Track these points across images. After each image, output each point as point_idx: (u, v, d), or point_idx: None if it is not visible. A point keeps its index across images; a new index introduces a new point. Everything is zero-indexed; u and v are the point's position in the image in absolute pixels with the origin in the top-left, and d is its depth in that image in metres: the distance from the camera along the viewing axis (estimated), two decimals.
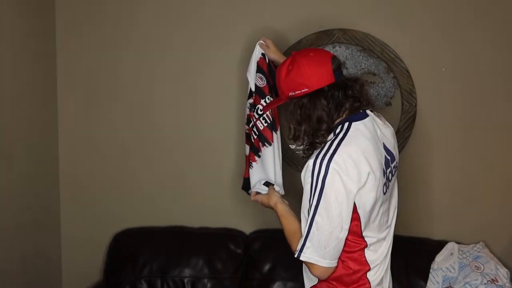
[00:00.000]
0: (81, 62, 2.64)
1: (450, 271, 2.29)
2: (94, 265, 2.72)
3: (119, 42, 2.61)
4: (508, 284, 2.24)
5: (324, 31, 2.46)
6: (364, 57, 2.46)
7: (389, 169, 1.73)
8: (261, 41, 2.14)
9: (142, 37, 2.60)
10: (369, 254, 1.70)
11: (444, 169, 2.50)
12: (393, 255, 1.81)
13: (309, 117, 1.70)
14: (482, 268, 2.28)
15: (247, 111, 2.17)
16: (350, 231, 1.63)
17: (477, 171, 2.49)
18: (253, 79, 2.12)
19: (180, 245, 2.56)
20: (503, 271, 2.27)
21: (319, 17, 2.48)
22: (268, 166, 2.08)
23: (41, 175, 2.57)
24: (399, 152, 2.34)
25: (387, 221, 1.76)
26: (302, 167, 1.66)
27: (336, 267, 1.66)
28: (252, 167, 2.12)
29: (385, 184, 1.69)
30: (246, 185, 2.15)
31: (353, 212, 1.61)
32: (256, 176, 2.11)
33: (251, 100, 2.14)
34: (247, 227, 2.64)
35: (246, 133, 2.19)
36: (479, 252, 2.36)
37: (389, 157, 1.73)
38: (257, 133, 2.09)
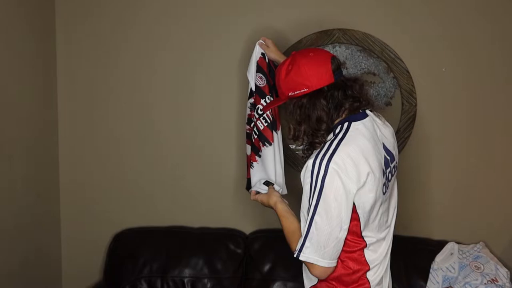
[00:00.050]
0: (81, 62, 2.64)
1: (450, 271, 2.29)
2: (94, 265, 2.72)
3: (119, 42, 2.61)
4: (508, 284, 2.24)
5: (324, 31, 2.46)
6: (364, 57, 2.46)
7: (389, 169, 1.73)
8: (261, 41, 2.14)
9: (142, 37, 2.60)
10: (368, 254, 1.70)
11: (444, 169, 2.50)
12: (393, 255, 1.81)
13: (308, 117, 1.70)
14: (482, 268, 2.28)
15: (248, 111, 2.17)
16: (349, 231, 1.63)
17: (477, 171, 2.48)
18: (253, 79, 2.12)
19: (180, 245, 2.56)
20: (503, 271, 2.27)
21: (319, 17, 2.47)
22: (268, 165, 2.09)
23: (41, 175, 2.57)
24: (399, 152, 2.35)
25: (386, 221, 1.77)
26: (302, 167, 1.66)
27: (336, 267, 1.67)
28: (253, 167, 2.12)
29: (384, 184, 1.69)
30: (249, 185, 2.16)
31: (352, 212, 1.61)
32: (257, 175, 2.12)
33: (251, 100, 2.14)
34: (247, 227, 2.64)
35: (247, 133, 2.20)
36: (479, 252, 2.36)
37: (388, 157, 1.73)
38: (257, 133, 2.09)
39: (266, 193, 1.97)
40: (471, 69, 2.43)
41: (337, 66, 1.72)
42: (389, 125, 1.82)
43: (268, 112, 2.08)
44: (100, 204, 2.71)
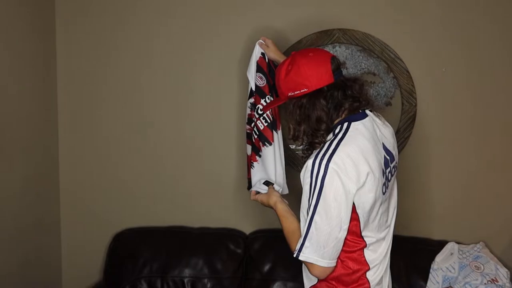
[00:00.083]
0: (81, 62, 2.64)
1: (450, 271, 2.29)
2: (94, 265, 2.72)
3: (119, 42, 2.61)
4: (508, 284, 2.23)
5: (324, 31, 2.46)
6: (364, 57, 2.46)
7: (389, 169, 1.73)
8: (260, 41, 2.14)
9: (142, 37, 2.60)
10: (368, 254, 1.70)
11: (444, 169, 2.50)
12: (393, 255, 1.81)
13: (308, 117, 1.70)
14: (482, 268, 2.28)
15: (248, 111, 2.17)
16: (349, 231, 1.63)
17: (477, 171, 2.48)
18: (253, 78, 2.12)
19: (180, 245, 2.56)
20: (503, 271, 2.27)
21: (319, 17, 2.47)
22: (268, 165, 2.09)
23: (41, 175, 2.57)
24: (399, 152, 2.35)
25: (386, 221, 1.77)
26: (302, 167, 1.66)
27: (336, 266, 1.67)
28: (253, 166, 2.13)
29: (384, 184, 1.69)
30: (250, 185, 2.16)
31: (352, 212, 1.61)
32: (257, 175, 2.12)
33: (252, 100, 2.14)
34: (247, 227, 2.64)
35: (247, 132, 2.20)
36: (479, 252, 2.36)
37: (388, 157, 1.73)
38: (257, 133, 2.10)
39: (266, 193, 1.97)
40: (471, 69, 2.43)
41: (336, 66, 1.72)
42: (389, 125, 1.82)
43: (268, 112, 2.08)
44: (100, 204, 2.71)
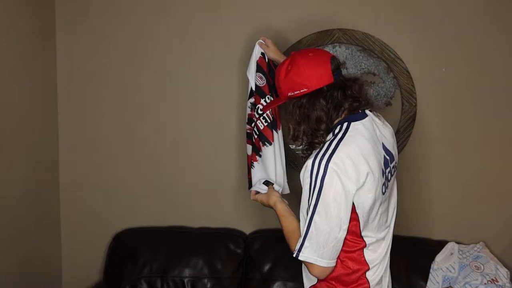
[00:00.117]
0: (81, 62, 2.64)
1: (450, 271, 2.29)
2: (94, 265, 2.72)
3: (119, 42, 2.61)
4: (508, 284, 2.23)
5: (324, 31, 2.46)
6: (364, 57, 2.46)
7: (388, 169, 1.73)
8: (260, 40, 2.14)
9: (142, 37, 2.60)
10: (368, 254, 1.70)
11: (444, 169, 2.50)
12: (393, 255, 1.81)
13: (308, 117, 1.70)
14: (482, 268, 2.28)
15: (248, 111, 2.17)
16: (349, 231, 1.63)
17: (477, 171, 2.48)
18: (253, 78, 2.12)
19: (180, 245, 2.56)
20: (503, 271, 2.27)
21: (319, 17, 2.47)
22: (269, 165, 2.09)
23: (41, 175, 2.58)
24: (399, 152, 2.35)
25: (386, 221, 1.77)
26: (302, 167, 1.66)
27: (335, 266, 1.67)
28: (254, 166, 2.13)
29: (384, 184, 1.69)
30: (251, 184, 2.16)
31: (352, 212, 1.61)
32: (258, 175, 2.12)
33: (252, 100, 2.14)
34: (247, 227, 2.64)
35: (247, 132, 2.20)
36: (479, 252, 2.36)
37: (388, 157, 1.73)
38: (257, 133, 2.10)
39: (266, 193, 1.97)
40: (471, 69, 2.43)
41: (336, 66, 1.72)
42: (388, 125, 1.82)
43: (268, 112, 2.08)
44: (100, 204, 2.71)
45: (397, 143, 1.86)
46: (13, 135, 2.33)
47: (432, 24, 2.43)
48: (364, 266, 1.70)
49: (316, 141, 1.70)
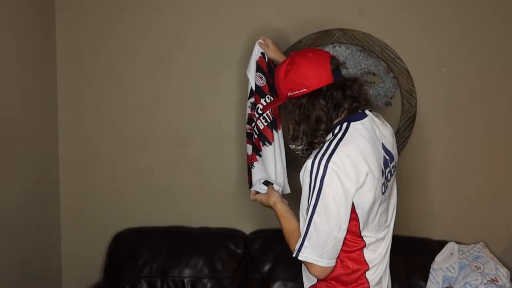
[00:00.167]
0: (81, 62, 2.64)
1: (450, 271, 2.29)
2: (94, 265, 2.72)
3: (119, 42, 2.61)
4: (508, 284, 2.23)
5: (324, 31, 2.46)
6: (364, 57, 2.46)
7: (388, 169, 1.73)
8: (260, 40, 2.14)
9: (142, 37, 2.60)
10: (368, 254, 1.70)
11: (444, 169, 2.50)
12: (393, 255, 1.81)
13: (307, 117, 1.70)
14: (482, 268, 2.28)
15: (248, 110, 2.17)
16: (348, 231, 1.63)
17: (477, 171, 2.48)
18: (253, 78, 2.12)
19: (180, 245, 2.56)
20: (503, 271, 2.27)
21: (319, 17, 2.47)
22: (269, 165, 2.09)
23: (41, 175, 2.58)
24: (399, 152, 2.35)
25: (386, 221, 1.77)
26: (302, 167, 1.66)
27: (335, 266, 1.67)
28: (254, 166, 2.13)
29: (383, 184, 1.69)
30: (251, 184, 2.16)
31: (351, 212, 1.61)
32: (258, 175, 2.12)
33: (252, 99, 2.14)
34: (247, 227, 2.64)
35: (247, 132, 2.20)
36: (479, 252, 2.36)
37: (388, 157, 1.73)
38: (257, 133, 2.10)
39: (265, 193, 1.97)
40: (471, 69, 2.43)
41: (336, 66, 1.72)
42: (388, 125, 1.82)
43: (268, 112, 2.08)
44: (100, 204, 2.71)
45: (397, 143, 1.87)
46: (13, 135, 2.33)
47: (432, 24, 2.43)
48: (364, 266, 1.70)
49: (316, 141, 1.70)
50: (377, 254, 1.72)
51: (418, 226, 2.52)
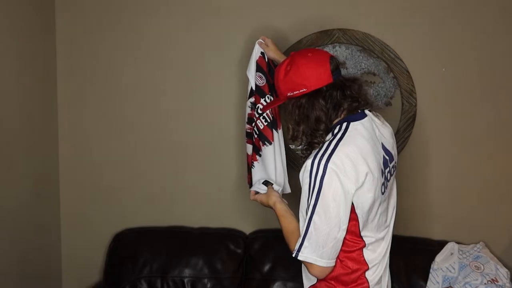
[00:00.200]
0: (81, 62, 2.64)
1: (450, 271, 2.29)
2: (94, 265, 2.72)
3: (119, 42, 2.61)
4: (508, 284, 2.23)
5: (324, 31, 2.46)
6: (364, 57, 2.46)
7: (388, 169, 1.73)
8: (260, 40, 2.14)
9: (142, 37, 2.60)
10: (367, 254, 1.70)
11: (444, 169, 2.50)
12: (393, 255, 1.81)
13: (307, 117, 1.70)
14: (482, 268, 2.28)
15: (248, 110, 2.17)
16: (348, 231, 1.63)
17: (477, 171, 2.48)
18: (253, 78, 2.12)
19: (180, 245, 2.56)
20: (503, 271, 2.27)
21: (319, 17, 2.47)
22: (269, 165, 2.09)
23: (41, 175, 2.58)
24: (399, 152, 2.35)
25: (385, 221, 1.77)
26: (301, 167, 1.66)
27: (335, 266, 1.67)
28: (254, 166, 2.13)
29: (383, 184, 1.69)
30: (251, 184, 2.16)
31: (351, 212, 1.61)
32: (258, 175, 2.12)
33: (252, 99, 2.14)
34: (247, 227, 2.64)
35: (247, 132, 2.20)
36: (479, 252, 2.36)
37: (387, 157, 1.73)
38: (257, 132, 2.10)
39: (265, 193, 1.97)
40: (471, 69, 2.43)
41: (335, 66, 1.72)
42: (388, 125, 1.82)
43: (268, 112, 2.08)
44: (100, 204, 2.71)
45: (397, 143, 1.86)
46: (13, 135, 2.34)
47: (432, 24, 2.43)
48: (364, 265, 1.70)
49: (316, 141, 1.70)
50: (376, 254, 1.72)
51: (418, 226, 2.52)
